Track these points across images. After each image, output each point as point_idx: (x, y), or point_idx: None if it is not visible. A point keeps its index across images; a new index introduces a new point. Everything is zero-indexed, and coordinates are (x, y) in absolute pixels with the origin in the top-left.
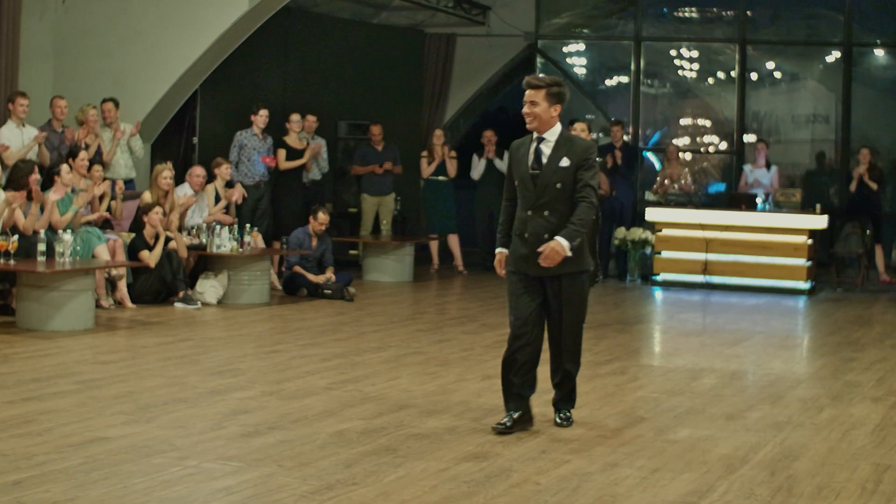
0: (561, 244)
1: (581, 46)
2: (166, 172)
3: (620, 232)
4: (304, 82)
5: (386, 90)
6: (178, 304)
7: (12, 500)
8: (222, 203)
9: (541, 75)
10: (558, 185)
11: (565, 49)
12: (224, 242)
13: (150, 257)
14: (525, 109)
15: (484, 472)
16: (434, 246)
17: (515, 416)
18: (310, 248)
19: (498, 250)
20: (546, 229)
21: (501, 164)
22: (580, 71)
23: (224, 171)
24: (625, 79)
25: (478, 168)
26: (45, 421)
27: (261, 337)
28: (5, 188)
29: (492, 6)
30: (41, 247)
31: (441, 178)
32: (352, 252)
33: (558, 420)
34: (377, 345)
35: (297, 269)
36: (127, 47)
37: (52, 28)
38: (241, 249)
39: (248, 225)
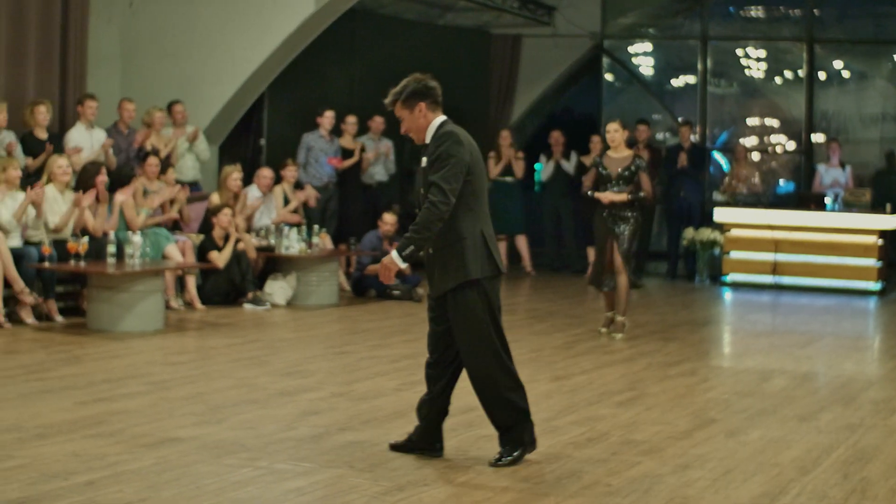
0: (390, 256)
1: (647, 46)
2: (235, 174)
3: (689, 232)
4: (370, 84)
5: (452, 91)
6: (246, 306)
7: (86, 499)
8: (293, 204)
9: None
10: (422, 191)
11: (631, 49)
12: (292, 244)
13: (219, 258)
14: (402, 131)
15: (555, 474)
16: (502, 247)
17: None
18: (382, 251)
19: None
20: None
21: (568, 166)
22: (646, 71)
23: (290, 172)
24: (691, 79)
25: (546, 169)
26: (116, 422)
27: (330, 338)
28: (75, 190)
29: (557, 6)
30: (111, 248)
31: (508, 178)
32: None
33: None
34: None
35: (370, 268)
36: (194, 50)
37: (119, 31)
38: (309, 251)
39: (316, 226)
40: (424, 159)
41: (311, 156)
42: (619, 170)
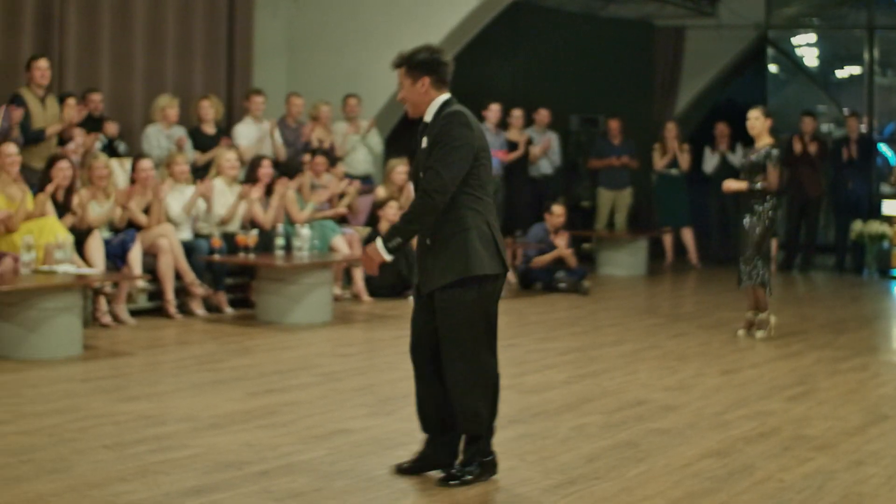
0: (374, 246)
1: (812, 37)
2: (400, 167)
3: (857, 225)
4: (533, 77)
5: (616, 83)
6: (413, 298)
7: (260, 489)
8: None
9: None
10: (421, 174)
11: (795, 40)
12: None
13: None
14: (398, 97)
15: (726, 469)
16: (668, 240)
17: (416, 454)
18: (548, 243)
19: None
20: (425, 233)
21: (735, 158)
22: (811, 62)
23: None
24: (857, 69)
25: (710, 161)
26: (288, 412)
27: (498, 330)
28: (243, 183)
29: None
30: (279, 241)
31: (674, 171)
32: (585, 246)
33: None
34: (614, 339)
35: (536, 260)
36: (359, 43)
37: (285, 25)
38: None
39: None
40: (424, 140)
41: None
42: (753, 159)
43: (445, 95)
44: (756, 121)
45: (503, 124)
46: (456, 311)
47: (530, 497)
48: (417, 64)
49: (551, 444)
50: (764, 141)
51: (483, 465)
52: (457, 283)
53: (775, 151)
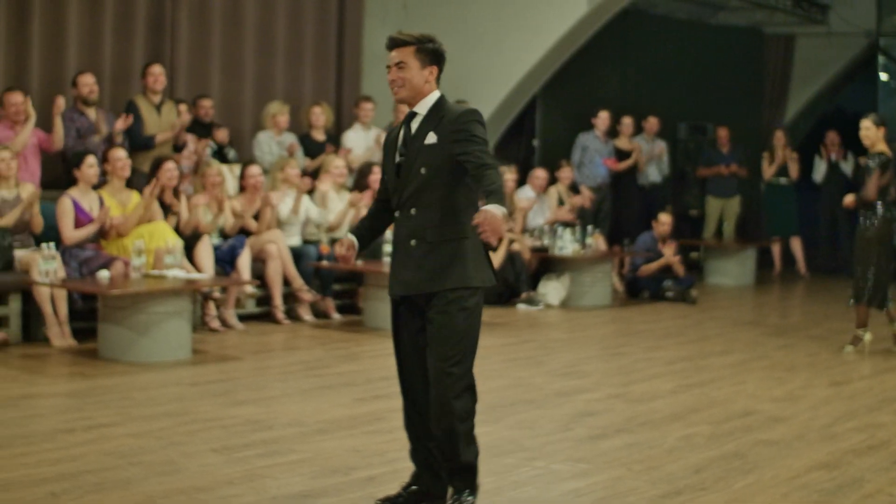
0: (494, 212)
1: None
2: (507, 175)
3: None
4: (642, 84)
5: (725, 91)
6: (520, 306)
7: (366, 495)
8: (570, 206)
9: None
10: (423, 171)
11: None
12: (566, 244)
13: (494, 259)
14: (390, 75)
15: (835, 482)
16: (776, 249)
17: (410, 488)
18: (656, 252)
19: (347, 235)
20: (411, 232)
21: (846, 167)
22: None
23: (566, 173)
24: None
25: (820, 170)
26: (394, 418)
27: (604, 339)
28: (351, 190)
29: (832, 4)
30: (387, 247)
31: (783, 179)
32: (693, 255)
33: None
34: (721, 348)
35: (644, 268)
36: (467, 51)
37: (394, 32)
38: (583, 251)
39: (590, 227)
40: (431, 134)
41: (586, 156)
42: (863, 168)
43: (439, 92)
44: (868, 130)
45: (612, 132)
46: (449, 320)
47: None
48: (431, 51)
49: (658, 453)
50: (878, 150)
51: (475, 488)
52: (456, 289)
53: (877, 160)
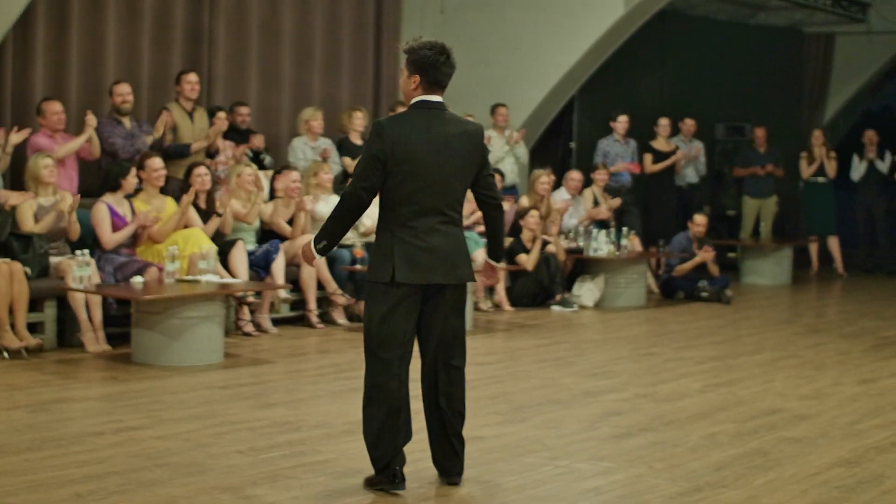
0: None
1: None
2: (544, 178)
3: None
4: (680, 85)
5: (763, 91)
6: (555, 307)
7: (387, 495)
8: (602, 208)
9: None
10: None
11: None
12: (601, 245)
13: (528, 261)
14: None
15: (856, 478)
16: (813, 248)
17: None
18: (691, 253)
19: None
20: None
21: (883, 166)
22: None
23: (601, 176)
24: None
25: (858, 169)
26: (420, 419)
27: (636, 339)
28: None
29: (871, 2)
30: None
31: (821, 179)
32: (730, 255)
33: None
34: (753, 348)
35: (679, 269)
36: (504, 55)
37: (431, 37)
38: (617, 252)
39: (625, 228)
40: None
41: (608, 161)
42: None
43: (425, 97)
44: None
45: (650, 134)
46: (462, 309)
47: None
48: (412, 61)
49: (681, 451)
50: None
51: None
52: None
53: None
